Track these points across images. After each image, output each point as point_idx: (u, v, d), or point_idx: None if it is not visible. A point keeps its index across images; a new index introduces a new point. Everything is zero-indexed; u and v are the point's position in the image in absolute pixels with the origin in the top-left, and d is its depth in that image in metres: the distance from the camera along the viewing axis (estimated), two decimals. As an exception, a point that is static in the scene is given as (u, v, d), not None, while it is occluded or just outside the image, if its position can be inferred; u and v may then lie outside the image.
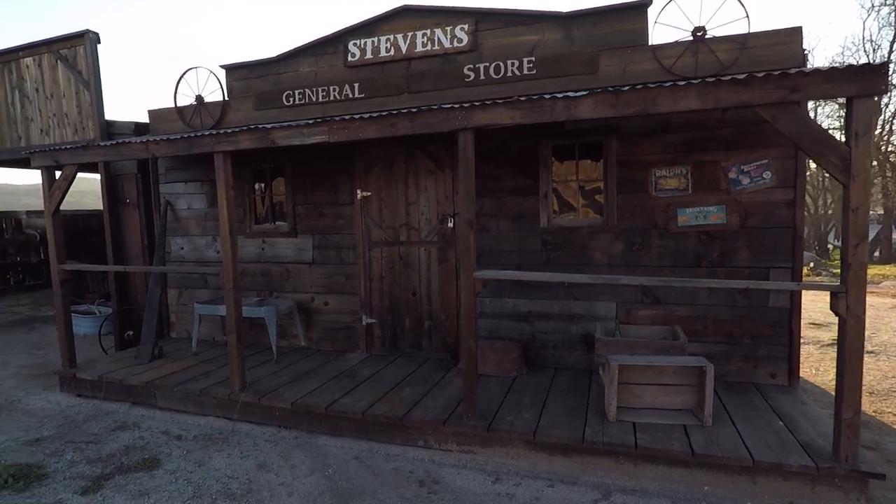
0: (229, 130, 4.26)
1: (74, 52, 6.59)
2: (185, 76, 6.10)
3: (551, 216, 4.94)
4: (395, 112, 3.74)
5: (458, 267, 5.24)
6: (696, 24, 4.47)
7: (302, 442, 4.16)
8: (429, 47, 5.06)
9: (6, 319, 9.75)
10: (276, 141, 4.13)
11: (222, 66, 6.01)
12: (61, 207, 5.33)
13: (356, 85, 5.37)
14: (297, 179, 5.87)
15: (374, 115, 3.77)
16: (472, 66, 4.92)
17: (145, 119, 6.47)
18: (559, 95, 3.43)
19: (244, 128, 4.22)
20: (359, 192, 5.56)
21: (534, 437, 3.63)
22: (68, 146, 5.00)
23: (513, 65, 4.80)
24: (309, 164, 5.79)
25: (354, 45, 5.33)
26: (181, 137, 4.43)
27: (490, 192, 5.10)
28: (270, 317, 5.43)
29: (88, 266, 5.91)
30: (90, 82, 6.48)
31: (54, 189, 5.20)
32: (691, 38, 4.48)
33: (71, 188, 5.35)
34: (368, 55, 5.28)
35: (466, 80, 4.94)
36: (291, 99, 5.65)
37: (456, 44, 4.96)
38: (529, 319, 5.09)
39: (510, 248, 5.07)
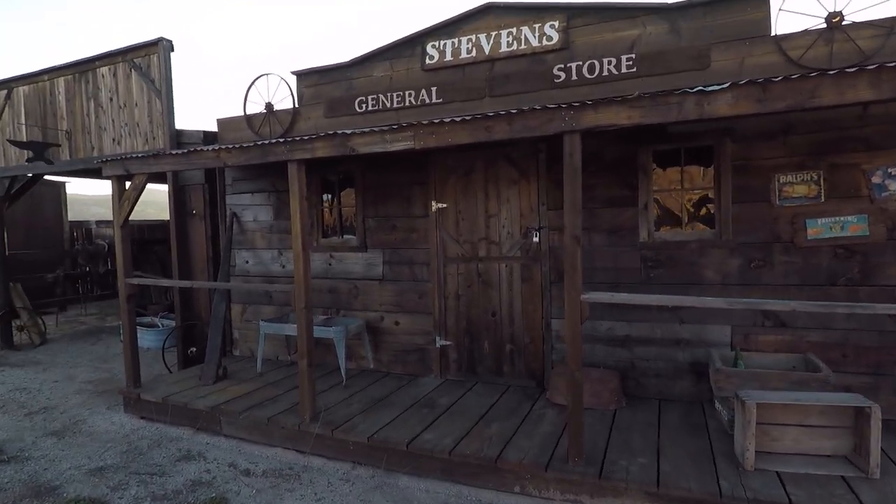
0: (305, 137, 3.95)
1: (148, 61, 6.54)
2: (255, 83, 5.91)
3: (652, 229, 4.38)
4: (490, 114, 3.31)
5: (544, 285, 4.75)
6: (831, 10, 3.88)
7: (380, 483, 3.73)
8: (514, 47, 4.64)
9: (74, 330, 9.88)
10: (355, 148, 3.78)
11: (293, 73, 5.78)
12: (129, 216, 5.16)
13: (433, 89, 5.00)
14: (368, 191, 5.54)
15: (467, 117, 3.35)
16: (562, 65, 4.46)
17: (213, 128, 6.33)
18: (691, 90, 2.91)
19: (321, 134, 3.90)
20: (433, 203, 5.16)
21: (657, 487, 3.08)
22: (139, 155, 4.83)
23: (609, 63, 4.31)
24: (380, 174, 5.45)
25: (433, 46, 4.97)
26: (254, 145, 4.16)
27: (581, 204, 4.59)
28: (340, 338, 5.08)
29: (155, 280, 5.74)
30: (162, 91, 6.40)
31: (124, 200, 5.05)
32: (825, 25, 3.89)
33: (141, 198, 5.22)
34: (448, 57, 4.91)
35: (556, 80, 4.48)
36: (364, 105, 5.34)
37: (545, 42, 4.52)
38: (627, 344, 4.53)
39: (604, 265, 4.54)
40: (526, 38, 4.60)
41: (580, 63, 4.39)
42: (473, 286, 5.08)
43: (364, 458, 3.96)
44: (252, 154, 4.23)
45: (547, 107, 3.10)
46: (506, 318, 4.95)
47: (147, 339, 8.15)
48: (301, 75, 5.74)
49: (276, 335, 5.77)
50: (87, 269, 9.69)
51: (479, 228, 5.02)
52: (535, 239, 4.73)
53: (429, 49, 4.99)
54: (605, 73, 4.30)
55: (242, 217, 6.32)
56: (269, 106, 5.88)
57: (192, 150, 4.52)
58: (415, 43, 5.09)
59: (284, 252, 6.04)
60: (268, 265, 6.18)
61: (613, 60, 4.27)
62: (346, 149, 3.82)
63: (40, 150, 7.05)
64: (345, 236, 5.79)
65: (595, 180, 4.50)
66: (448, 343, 5.22)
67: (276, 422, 4.33)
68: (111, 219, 14.71)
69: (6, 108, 7.95)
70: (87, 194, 45.12)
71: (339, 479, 3.82)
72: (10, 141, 7.13)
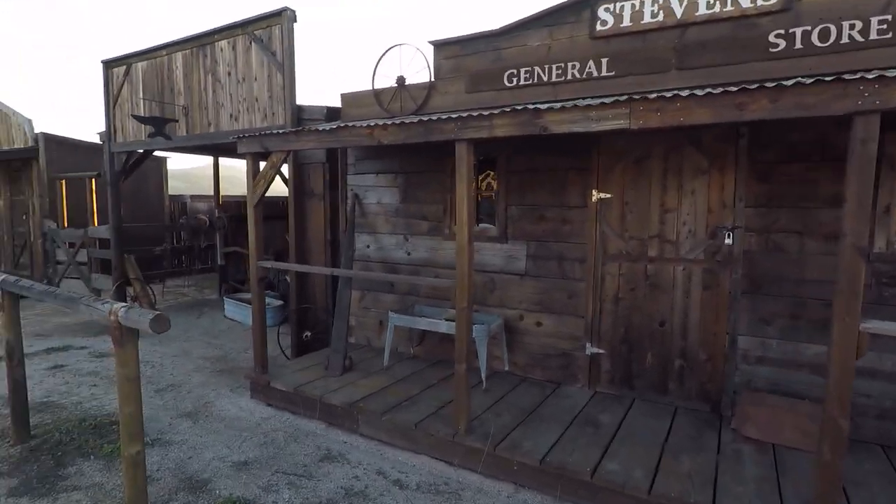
0: (484, 113, 3.42)
1: (269, 33, 6.22)
2: (386, 55, 5.45)
3: (893, 238, 3.58)
4: (751, 87, 2.63)
5: (733, 295, 4.05)
6: None
7: (561, 516, 3.24)
8: (717, 9, 3.89)
9: (177, 301, 10.04)
10: (548, 127, 3.21)
11: (431, 43, 5.27)
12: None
13: (604, 61, 4.34)
14: (513, 176, 4.99)
15: (713, 91, 2.70)
16: (782, 31, 3.68)
17: (330, 102, 5.95)
18: None
19: (505, 109, 3.35)
20: (594, 193, 4.54)
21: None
22: (279, 131, 4.48)
23: (852, 27, 3.49)
24: (529, 157, 4.87)
25: (606, 10, 4.30)
26: (418, 122, 3.67)
27: (789, 201, 3.84)
28: (482, 337, 4.60)
29: (290, 265, 5.47)
30: (284, 64, 6.07)
31: (259, 178, 4.74)
32: None
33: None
34: (626, 22, 4.23)
35: (772, 50, 3.71)
36: (515, 79, 4.76)
37: (760, 2, 3.75)
38: (839, 373, 3.77)
39: (817, 277, 3.78)
40: (732, -1, 3.85)
41: (808, 28, 3.60)
42: (638, 289, 4.44)
43: (530, 481, 3.48)
44: (412, 132, 3.75)
45: (840, 77, 2.40)
46: (677, 329, 4.30)
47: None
48: (439, 46, 5.22)
49: (401, 327, 5.36)
50: (190, 243, 9.76)
51: (651, 224, 4.36)
52: (728, 240, 4.02)
53: (601, 13, 4.33)
54: (846, 39, 3.49)
55: (364, 199, 5.94)
56: (400, 79, 5.41)
57: (341, 125, 4.10)
58: (581, 6, 4.43)
59: (411, 238, 5.62)
60: (390, 251, 5.78)
61: (858, 24, 3.46)
62: (534, 127, 3.26)
63: (160, 126, 6.95)
64: (481, 225, 5.27)
65: (815, 173, 3.73)
66: (600, 351, 4.63)
67: (425, 428, 3.91)
68: (203, 193, 14.98)
69: (125, 84, 7.94)
70: (184, 168, 46.89)
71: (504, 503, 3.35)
72: (133, 116, 7.07)
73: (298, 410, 4.66)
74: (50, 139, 10.04)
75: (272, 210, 11.91)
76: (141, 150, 8.15)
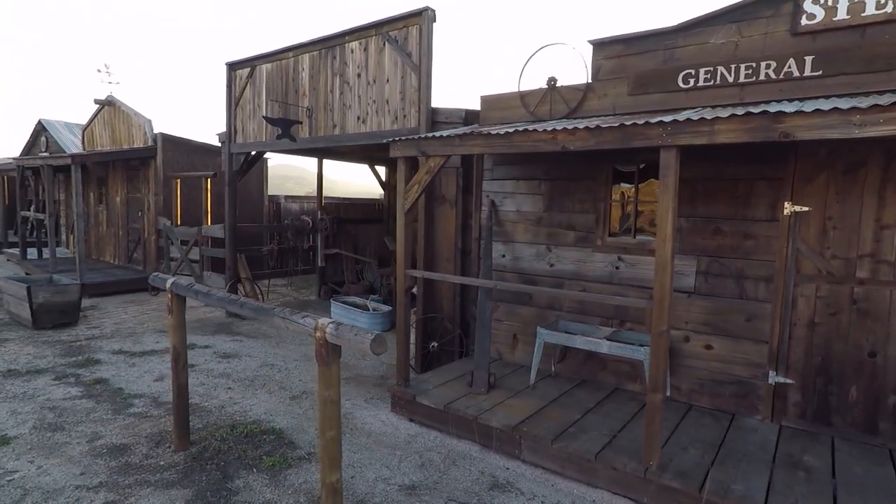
0: (705, 117, 3.05)
1: (405, 33, 6.09)
2: (535, 55, 5.18)
3: None
4: None
5: (973, 328, 3.49)
6: None
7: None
8: (968, -4, 3.36)
9: (280, 301, 10.15)
10: (791, 133, 2.81)
11: (590, 42, 4.94)
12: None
13: (808, 59, 3.87)
14: (683, 185, 4.52)
15: None
16: None
17: (459, 104, 5.73)
18: None
19: (737, 113, 2.98)
20: (787, 206, 4.07)
21: None
22: (440, 134, 4.28)
23: None
24: (704, 165, 4.45)
25: (815, 2, 3.83)
26: (619, 126, 3.36)
27: None
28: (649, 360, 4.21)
29: (443, 276, 5.27)
30: (420, 65, 5.91)
31: (413, 184, 4.56)
32: None
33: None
34: (841, 15, 3.75)
35: None
36: (692, 79, 4.36)
37: None
38: None
39: None
40: (983, -14, 3.30)
41: None
42: (841, 314, 3.93)
43: (746, 533, 3.07)
44: (606, 137, 3.43)
45: None
46: (893, 362, 3.76)
47: (361, 322, 7.99)
48: (599, 45, 4.88)
49: (524, 336, 5.04)
50: (294, 244, 9.88)
51: (862, 242, 3.84)
52: (972, 264, 3.47)
53: (807, 6, 3.86)
54: None
55: (501, 206, 5.68)
56: (551, 81, 5.11)
57: (517, 129, 3.84)
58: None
59: (554, 249, 5.30)
60: (530, 262, 5.49)
61: None
62: (770, 133, 2.87)
63: (287, 127, 6.98)
64: (639, 237, 4.89)
65: None
66: (788, 381, 4.14)
67: (606, 460, 3.58)
68: (296, 194, 15.28)
69: (248, 86, 8.08)
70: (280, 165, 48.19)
71: (733, 563, 2.97)
72: (264, 118, 7.15)
73: (448, 430, 4.44)
74: (167, 139, 10.45)
75: (367, 212, 11.97)
76: (257, 152, 8.27)
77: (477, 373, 4.89)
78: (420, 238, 6.09)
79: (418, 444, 4.33)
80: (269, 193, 13.31)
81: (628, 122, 3.32)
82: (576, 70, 5.01)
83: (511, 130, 3.84)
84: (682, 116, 3.17)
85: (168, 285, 3.92)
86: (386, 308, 8.27)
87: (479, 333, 5.08)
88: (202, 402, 5.13)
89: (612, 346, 4.37)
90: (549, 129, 3.65)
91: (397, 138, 4.59)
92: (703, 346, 4.53)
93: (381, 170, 11.88)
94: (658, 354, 3.40)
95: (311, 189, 14.60)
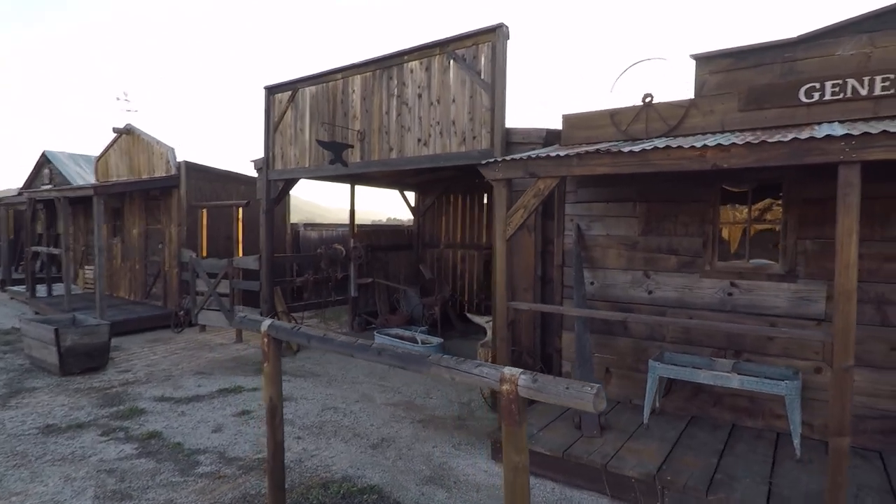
0: (888, 129, 2.74)
1: (475, 51, 5.80)
2: (628, 71, 4.91)
3: None
4: None
5: None
6: None
7: None
8: None
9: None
10: None
11: (693, 56, 4.68)
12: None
13: (957, 66, 3.61)
14: (809, 205, 4.27)
15: None
16: None
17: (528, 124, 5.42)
18: None
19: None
20: (938, 223, 3.76)
21: None
22: (554, 153, 3.93)
23: None
24: (832, 183, 4.14)
25: (965, 6, 3.59)
26: (790, 140, 3.03)
27: None
28: (794, 395, 3.84)
29: (555, 308, 4.86)
30: (495, 84, 5.61)
31: (516, 208, 4.19)
32: None
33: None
34: None
35: None
36: (816, 93, 4.08)
37: None
38: None
39: None
40: None
41: None
42: None
43: None
44: (770, 153, 3.11)
45: None
46: None
47: (414, 356, 7.52)
48: (705, 59, 4.62)
49: (662, 377, 4.63)
50: (327, 274, 9.42)
51: None
52: None
53: (954, 11, 3.62)
54: None
55: (588, 230, 5.32)
56: (647, 98, 4.82)
57: (654, 147, 3.50)
58: (920, 5, 3.74)
59: (653, 275, 4.94)
60: (624, 289, 5.12)
61: None
62: None
63: (339, 152, 6.62)
64: (752, 261, 4.55)
65: None
66: (946, 417, 3.77)
67: (782, 519, 3.16)
68: (315, 222, 14.86)
69: (289, 110, 7.73)
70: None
71: None
72: (318, 141, 6.78)
73: (567, 479, 3.99)
74: (191, 167, 10.03)
75: (397, 239, 11.56)
76: (291, 178, 7.88)
77: (586, 414, 4.45)
78: (499, 264, 5.68)
79: (537, 498, 3.87)
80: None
81: (803, 136, 3.00)
82: (671, 87, 4.74)
83: (648, 148, 3.50)
84: (874, 129, 2.85)
85: (264, 328, 3.47)
86: (436, 340, 7.81)
87: (581, 369, 4.67)
88: (276, 455, 4.61)
89: (746, 381, 3.98)
90: (701, 145, 3.31)
91: (497, 159, 4.24)
92: (839, 379, 4.15)
93: (411, 196, 11.54)
94: (843, 393, 3.02)
95: (306, 217, 14.17)
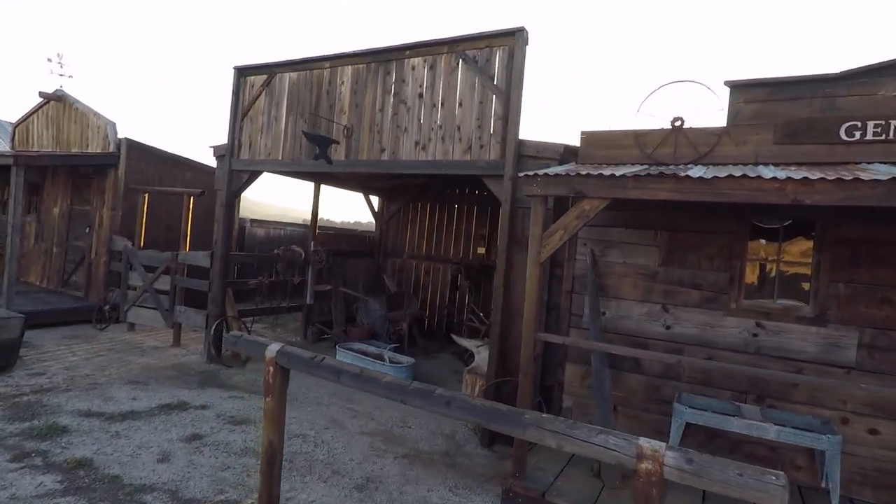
0: None
1: (488, 54, 5.34)
2: (656, 92, 4.63)
3: None
4: None
5: None
6: None
7: None
8: None
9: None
10: None
11: (728, 84, 4.48)
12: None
13: None
14: (841, 246, 4.13)
15: None
16: None
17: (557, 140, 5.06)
18: None
19: None
20: (978, 279, 3.70)
21: None
22: (613, 174, 3.53)
23: None
24: (866, 226, 4.03)
25: None
26: (890, 179, 2.78)
27: None
28: (835, 452, 3.63)
29: (590, 343, 4.40)
30: (510, 91, 5.18)
31: (555, 229, 3.76)
32: None
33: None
34: None
35: None
36: (858, 132, 3.96)
37: None
38: None
39: None
40: None
41: None
42: None
43: None
44: (864, 192, 2.86)
45: None
46: None
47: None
48: (740, 87, 4.43)
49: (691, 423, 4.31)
50: (284, 277, 8.56)
51: None
52: None
53: None
54: None
55: (602, 256, 4.98)
56: (676, 122, 4.57)
57: (729, 175, 3.17)
58: (972, 58, 3.70)
59: (672, 309, 4.66)
60: (639, 322, 4.80)
61: None
62: None
63: (325, 146, 5.93)
64: (779, 301, 4.37)
65: None
66: (973, 477, 3.69)
67: None
68: (261, 218, 13.78)
69: (262, 95, 6.92)
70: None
71: None
72: (304, 133, 6.03)
73: (593, 534, 3.55)
74: (133, 146, 8.85)
75: (358, 245, 10.82)
76: (256, 170, 7.06)
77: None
78: (499, 287, 5.23)
79: (564, 560, 3.40)
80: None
81: (905, 178, 2.76)
82: (704, 112, 4.51)
83: (721, 176, 3.17)
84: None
85: (271, 353, 2.80)
86: (406, 360, 7.21)
87: (601, 409, 4.28)
88: (244, 500, 3.85)
89: (784, 433, 3.73)
90: (783, 177, 3.02)
91: (537, 173, 3.79)
92: (866, 430, 4.01)
93: (375, 200, 10.88)
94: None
95: (248, 213, 13.04)
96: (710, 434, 4.44)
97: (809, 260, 4.27)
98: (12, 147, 10.41)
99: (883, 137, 3.92)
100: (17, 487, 3.75)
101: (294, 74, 6.67)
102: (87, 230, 9.24)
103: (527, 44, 5.19)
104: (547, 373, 5.22)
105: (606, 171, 3.61)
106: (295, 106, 6.64)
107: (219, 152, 7.37)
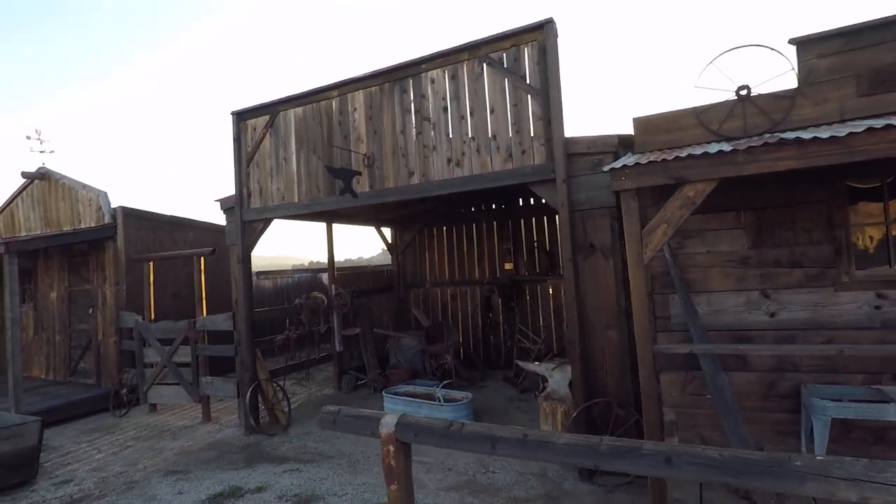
0: None
1: (515, 53, 4.95)
2: (715, 62, 4.24)
3: None
4: None
5: None
6: None
7: None
8: None
9: (298, 403, 8.02)
10: None
11: (792, 41, 4.10)
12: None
13: None
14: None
15: None
16: None
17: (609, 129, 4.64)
18: None
19: None
20: None
21: None
22: (715, 150, 3.09)
23: None
24: None
25: None
26: None
27: None
28: None
29: (723, 347, 3.90)
30: (543, 88, 4.77)
31: (656, 224, 3.30)
32: None
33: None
34: None
35: None
36: (962, 70, 3.58)
37: None
38: None
39: None
40: None
41: None
42: None
43: None
44: None
45: None
46: None
47: (444, 415, 6.29)
48: (808, 42, 4.05)
49: (845, 419, 3.77)
50: (310, 327, 7.99)
51: None
52: None
53: None
54: None
55: (681, 249, 4.53)
56: (742, 90, 4.17)
57: (878, 125, 2.75)
58: None
59: (774, 294, 4.20)
60: (736, 313, 4.33)
61: None
62: None
63: (349, 179, 5.45)
64: (900, 268, 3.93)
65: None
66: None
67: None
68: (256, 270, 13.17)
69: (267, 137, 6.46)
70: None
71: None
72: (327, 167, 5.54)
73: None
74: (130, 214, 8.29)
75: (377, 281, 10.25)
76: (269, 217, 6.55)
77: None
78: (570, 299, 4.74)
79: None
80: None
81: None
82: (769, 79, 4.12)
83: (859, 131, 2.75)
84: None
85: (389, 428, 2.25)
86: (464, 395, 6.63)
87: (728, 420, 3.76)
88: None
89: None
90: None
91: (624, 164, 3.34)
92: None
93: (387, 232, 10.40)
94: None
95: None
96: (844, 428, 3.95)
97: (923, 216, 3.85)
98: (-4, 236, 9.78)
99: None
100: None
101: (299, 110, 6.22)
102: (90, 311, 8.59)
103: (557, 36, 4.80)
104: (638, 388, 4.70)
105: (700, 150, 3.17)
106: (305, 143, 6.18)
107: (226, 205, 6.85)
